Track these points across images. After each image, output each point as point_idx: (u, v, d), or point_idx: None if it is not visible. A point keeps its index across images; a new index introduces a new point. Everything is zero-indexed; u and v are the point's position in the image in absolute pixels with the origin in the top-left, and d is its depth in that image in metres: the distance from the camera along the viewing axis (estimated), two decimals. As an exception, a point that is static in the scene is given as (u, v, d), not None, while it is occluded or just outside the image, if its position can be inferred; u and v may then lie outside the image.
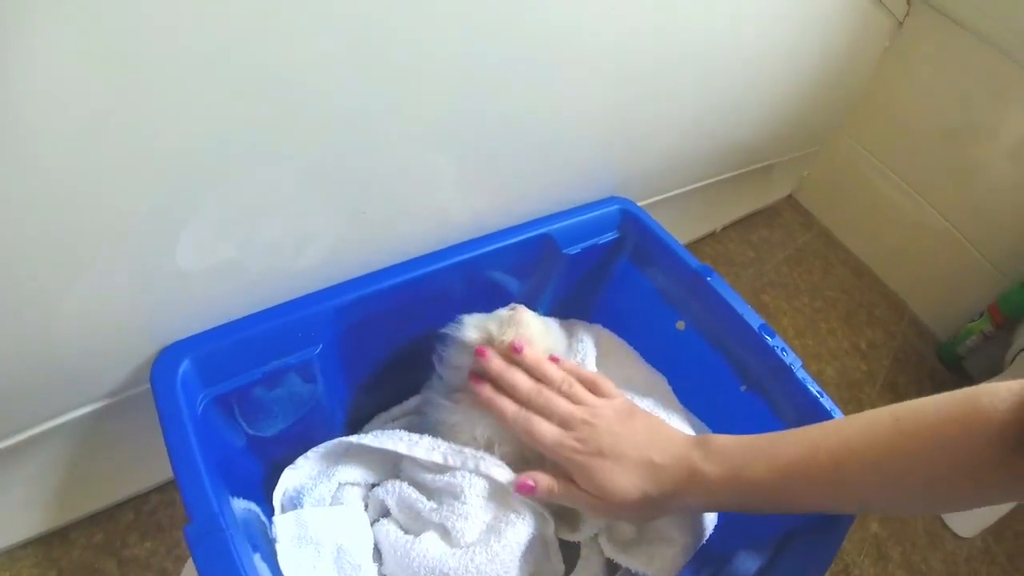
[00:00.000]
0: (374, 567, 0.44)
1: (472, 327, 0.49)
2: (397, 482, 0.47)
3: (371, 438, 0.47)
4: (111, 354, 0.40)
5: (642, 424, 0.45)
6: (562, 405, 0.45)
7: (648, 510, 0.43)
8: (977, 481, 0.34)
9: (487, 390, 0.47)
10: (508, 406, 0.46)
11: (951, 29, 0.90)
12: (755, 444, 0.41)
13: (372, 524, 0.47)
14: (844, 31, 0.78)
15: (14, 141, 0.27)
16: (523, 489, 0.44)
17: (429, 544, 0.43)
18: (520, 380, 0.46)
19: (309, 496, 0.46)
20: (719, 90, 0.65)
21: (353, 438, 0.48)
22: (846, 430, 0.38)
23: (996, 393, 0.34)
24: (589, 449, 0.43)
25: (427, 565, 0.43)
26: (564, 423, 0.44)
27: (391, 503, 0.47)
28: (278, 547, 0.41)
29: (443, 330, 0.50)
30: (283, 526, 0.42)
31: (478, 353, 0.47)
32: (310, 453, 0.48)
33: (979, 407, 0.34)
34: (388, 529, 0.46)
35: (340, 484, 0.47)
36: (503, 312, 0.50)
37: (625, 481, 0.41)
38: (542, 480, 0.44)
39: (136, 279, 0.37)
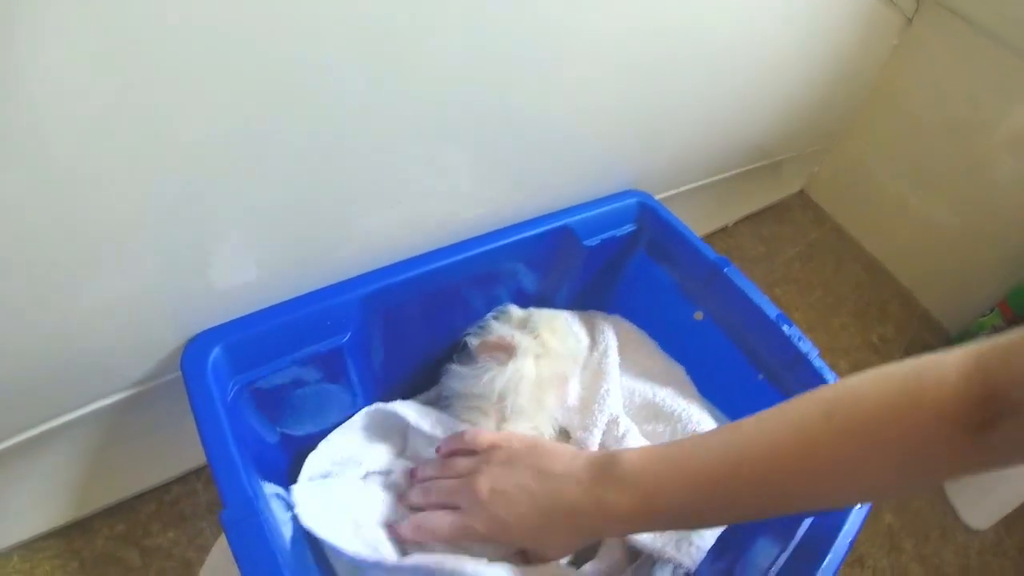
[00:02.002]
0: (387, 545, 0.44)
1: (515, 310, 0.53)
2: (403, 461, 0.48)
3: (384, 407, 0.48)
4: (137, 344, 0.41)
5: (527, 466, 0.41)
6: (443, 485, 0.43)
7: (577, 546, 0.41)
8: (927, 467, 0.31)
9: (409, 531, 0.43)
10: (409, 520, 0.43)
11: (960, 26, 0.90)
12: (669, 460, 0.37)
13: None
14: (853, 29, 0.78)
15: (31, 134, 0.27)
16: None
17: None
18: (414, 489, 0.45)
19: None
20: (731, 87, 0.66)
21: (370, 408, 0.49)
22: (772, 434, 0.34)
23: (941, 371, 0.31)
24: (486, 521, 0.39)
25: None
26: (452, 506, 0.42)
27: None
28: (294, 488, 0.42)
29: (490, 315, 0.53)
30: (299, 493, 0.43)
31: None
32: (332, 436, 0.49)
33: (925, 389, 0.31)
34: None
35: (367, 473, 0.47)
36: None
37: (544, 538, 0.39)
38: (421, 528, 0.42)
39: (160, 271, 0.37)
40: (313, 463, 0.47)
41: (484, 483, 0.40)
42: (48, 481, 0.50)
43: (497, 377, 0.48)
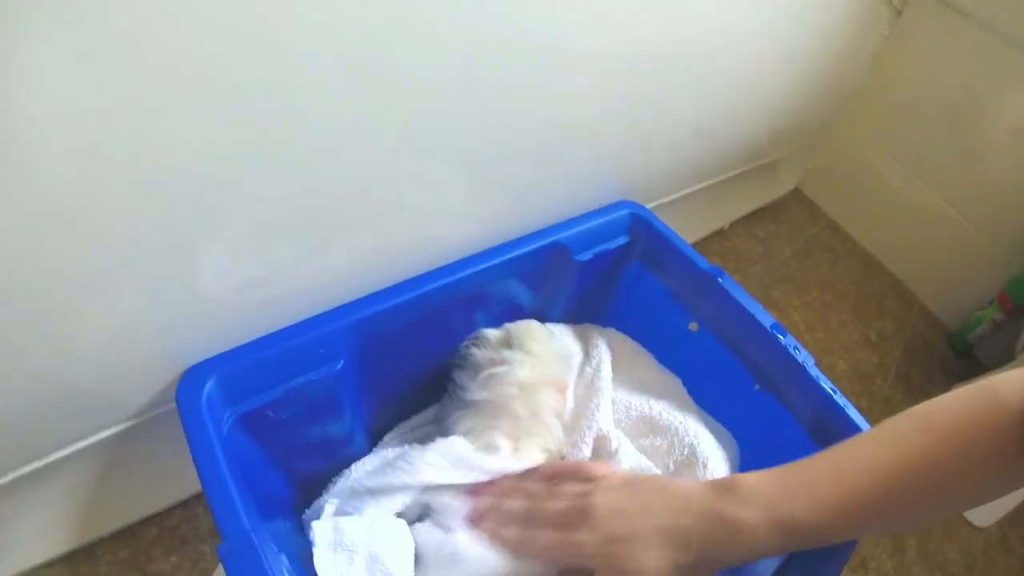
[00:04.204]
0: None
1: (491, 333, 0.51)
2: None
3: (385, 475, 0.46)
4: (133, 378, 0.41)
5: (647, 489, 0.40)
6: (551, 507, 0.41)
7: (693, 572, 0.38)
8: (1002, 473, 0.34)
9: (488, 526, 0.44)
10: (509, 534, 0.42)
11: (950, 15, 0.90)
12: (786, 480, 0.37)
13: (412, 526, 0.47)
14: (843, 22, 0.78)
15: (19, 168, 0.27)
16: None
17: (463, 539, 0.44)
18: (511, 504, 0.44)
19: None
20: (721, 89, 0.66)
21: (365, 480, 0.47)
22: (877, 450, 0.36)
23: (1013, 381, 0.34)
24: (597, 538, 0.38)
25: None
26: (563, 524, 0.40)
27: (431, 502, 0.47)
28: (315, 551, 0.42)
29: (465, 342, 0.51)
30: (320, 532, 0.43)
31: (474, 492, 0.45)
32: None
33: (999, 399, 0.33)
34: (425, 528, 0.46)
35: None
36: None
37: (651, 558, 0.37)
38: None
39: (154, 304, 0.37)
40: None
41: (601, 502, 0.39)
42: (51, 510, 0.50)
43: (492, 378, 0.48)
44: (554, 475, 0.45)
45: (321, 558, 0.41)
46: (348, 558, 0.42)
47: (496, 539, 0.43)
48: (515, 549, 0.42)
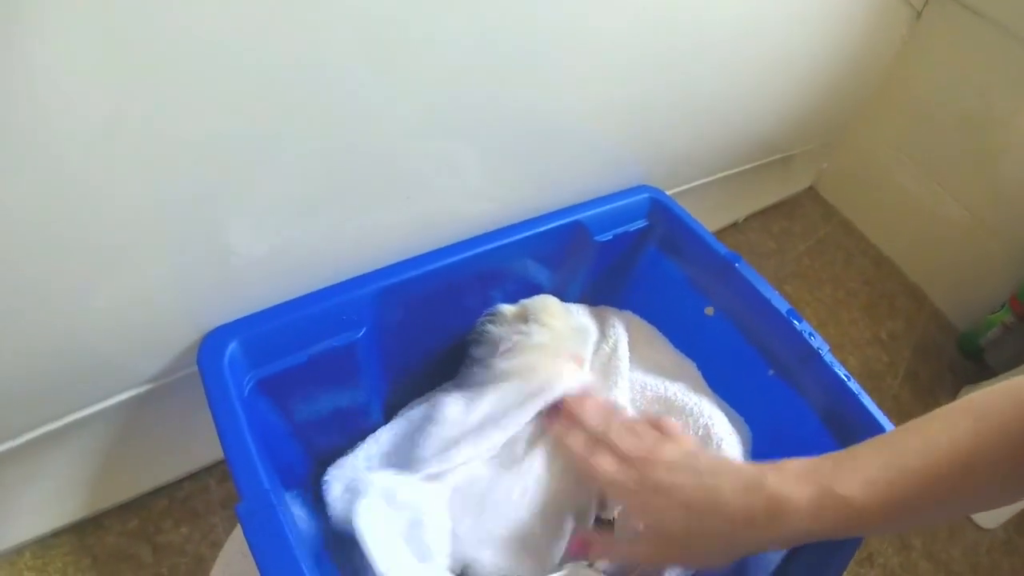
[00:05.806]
0: (443, 552, 0.44)
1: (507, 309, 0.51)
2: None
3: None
4: (150, 342, 0.41)
5: (705, 459, 0.42)
6: (625, 440, 0.44)
7: (721, 551, 0.39)
8: None
9: (559, 426, 0.47)
10: (578, 438, 0.46)
11: (970, 19, 0.90)
12: (836, 460, 0.37)
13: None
14: (863, 22, 0.78)
15: (38, 135, 0.27)
16: (579, 549, 0.43)
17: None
18: (591, 415, 0.47)
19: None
20: (740, 80, 0.66)
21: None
22: (927, 436, 0.36)
23: None
24: (646, 485, 0.40)
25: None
26: (624, 459, 0.43)
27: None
28: (362, 500, 0.42)
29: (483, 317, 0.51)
30: (378, 481, 0.43)
31: (565, 404, 0.48)
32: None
33: None
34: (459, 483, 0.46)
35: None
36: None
37: (688, 521, 0.38)
38: (597, 543, 0.44)
39: (173, 270, 0.37)
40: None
41: (665, 451, 0.42)
42: (61, 478, 0.50)
43: (514, 347, 0.49)
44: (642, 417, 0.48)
45: (364, 508, 0.42)
46: (391, 515, 0.42)
47: (560, 437, 0.46)
48: (573, 455, 0.45)
